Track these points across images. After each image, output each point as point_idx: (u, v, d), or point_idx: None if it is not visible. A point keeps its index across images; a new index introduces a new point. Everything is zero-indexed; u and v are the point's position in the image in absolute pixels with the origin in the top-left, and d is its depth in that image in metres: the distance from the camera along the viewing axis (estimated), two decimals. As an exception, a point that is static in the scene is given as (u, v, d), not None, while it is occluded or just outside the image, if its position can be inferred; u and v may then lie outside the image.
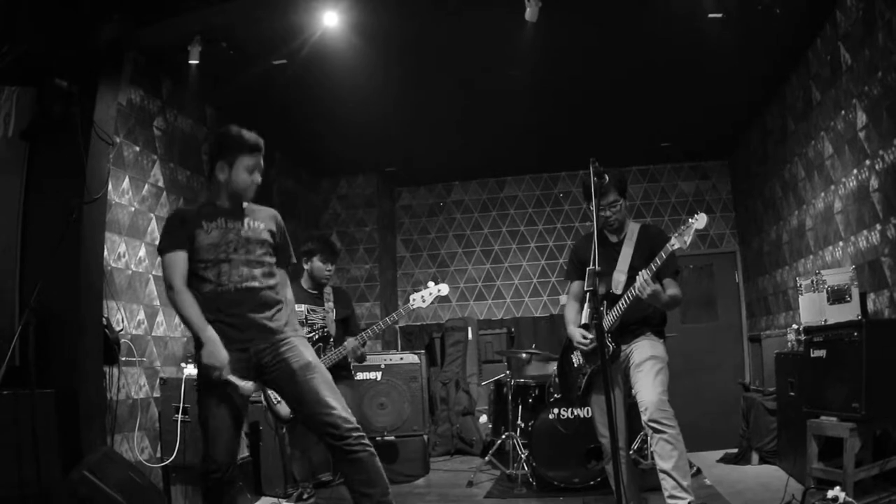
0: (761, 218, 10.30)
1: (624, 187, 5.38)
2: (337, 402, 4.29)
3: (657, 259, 4.96)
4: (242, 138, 4.54)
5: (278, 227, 4.72)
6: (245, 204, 4.65)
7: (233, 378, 4.19)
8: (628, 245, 5.39)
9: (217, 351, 4.17)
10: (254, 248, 4.51)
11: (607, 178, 4.97)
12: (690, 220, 4.78)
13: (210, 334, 4.22)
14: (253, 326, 4.39)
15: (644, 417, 5.04)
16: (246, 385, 4.21)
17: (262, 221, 4.63)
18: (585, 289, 4.46)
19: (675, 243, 4.81)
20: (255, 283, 4.45)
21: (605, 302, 5.22)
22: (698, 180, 12.16)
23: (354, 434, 4.22)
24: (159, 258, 4.52)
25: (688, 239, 4.76)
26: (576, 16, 7.07)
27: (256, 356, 4.37)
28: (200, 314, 4.28)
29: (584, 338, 5.39)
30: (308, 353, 4.47)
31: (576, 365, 5.61)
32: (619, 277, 5.31)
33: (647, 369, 5.14)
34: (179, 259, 4.40)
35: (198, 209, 4.62)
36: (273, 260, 4.64)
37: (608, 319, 5.21)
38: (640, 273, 4.99)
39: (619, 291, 5.25)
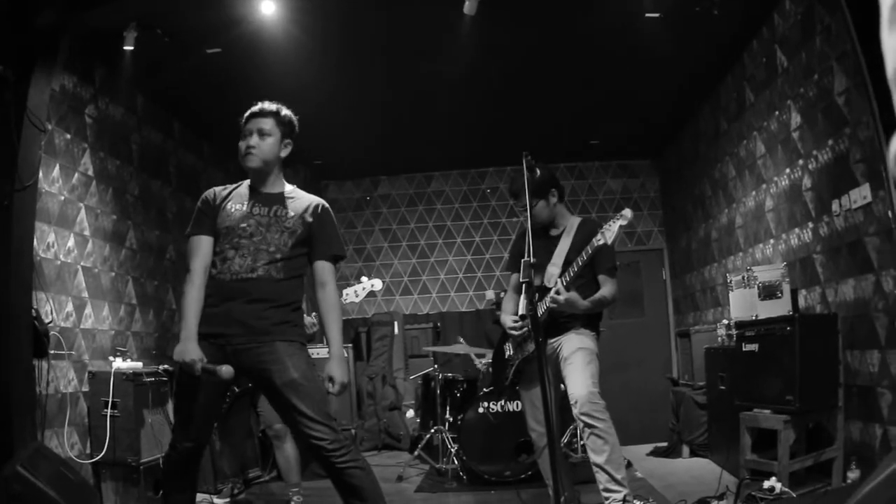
0: (690, 216, 10.45)
1: (544, 188, 5.37)
2: (321, 417, 4.03)
3: (579, 259, 5.02)
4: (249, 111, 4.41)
5: (317, 217, 4.37)
6: (288, 189, 4.46)
7: (208, 366, 4.00)
8: (566, 238, 5.40)
9: (186, 349, 3.98)
10: (272, 237, 4.24)
11: (523, 179, 4.99)
12: (617, 215, 4.80)
13: (186, 331, 4.05)
14: (235, 322, 4.13)
15: (575, 411, 5.03)
16: (222, 368, 3.97)
17: (294, 209, 4.34)
18: (520, 280, 4.42)
19: (599, 238, 4.83)
20: (254, 275, 4.17)
21: (537, 294, 5.23)
22: (626, 178, 12.31)
23: (342, 450, 3.98)
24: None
25: (611, 235, 4.77)
26: (512, 11, 7.06)
27: (235, 356, 4.12)
28: (191, 307, 4.11)
29: (515, 322, 5.40)
30: (292, 364, 4.11)
31: (506, 356, 5.65)
32: (553, 270, 5.31)
33: (577, 362, 5.13)
34: (200, 244, 4.27)
35: (232, 189, 4.46)
36: (301, 251, 4.35)
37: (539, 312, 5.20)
38: (558, 280, 5.06)
39: (550, 284, 5.23)
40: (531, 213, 5.01)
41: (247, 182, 4.47)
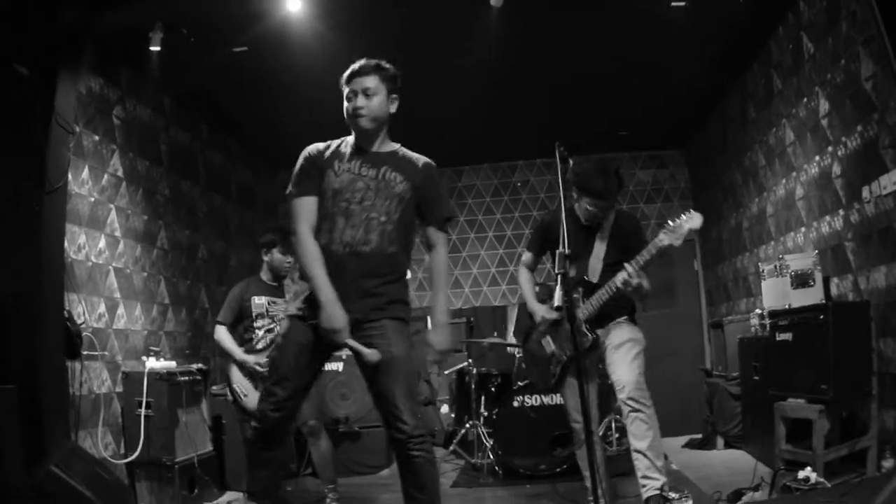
0: (720, 206, 10.36)
1: (618, 189, 5.27)
2: (407, 405, 3.95)
3: (645, 253, 4.87)
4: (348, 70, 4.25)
5: (425, 180, 4.28)
6: (396, 147, 4.37)
7: (353, 342, 3.93)
8: (603, 231, 5.32)
9: (334, 314, 3.89)
10: (381, 204, 4.11)
11: (604, 181, 4.96)
12: (683, 216, 4.76)
13: (327, 295, 3.91)
14: (351, 295, 4.01)
15: (622, 395, 5.00)
16: (371, 353, 3.90)
17: (401, 172, 4.22)
18: (556, 271, 4.36)
19: (665, 240, 4.77)
20: (367, 248, 4.05)
21: (580, 288, 5.19)
22: (656, 169, 12.22)
23: (417, 439, 3.92)
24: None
25: (680, 239, 4.74)
26: (538, 2, 7.04)
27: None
28: (323, 270, 3.99)
29: (551, 312, 5.25)
30: (396, 345, 4.01)
31: (549, 352, 5.49)
32: (596, 265, 5.26)
33: (626, 351, 5.11)
34: (305, 205, 4.17)
35: (336, 147, 4.32)
36: (410, 218, 4.25)
37: (586, 309, 5.17)
38: (626, 265, 4.89)
39: (595, 280, 5.21)
40: (598, 212, 5.01)
41: (350, 139, 4.34)
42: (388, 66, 4.28)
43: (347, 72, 4.25)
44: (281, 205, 11.91)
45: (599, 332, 5.26)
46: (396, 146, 4.36)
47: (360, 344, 3.95)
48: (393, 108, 4.31)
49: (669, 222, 4.80)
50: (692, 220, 4.72)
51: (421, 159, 4.34)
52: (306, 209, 4.15)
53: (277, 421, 4.12)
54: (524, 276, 5.77)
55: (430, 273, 4.30)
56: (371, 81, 4.20)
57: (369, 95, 4.19)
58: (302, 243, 4.09)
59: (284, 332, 4.21)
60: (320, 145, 4.33)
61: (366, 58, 4.27)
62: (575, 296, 5.08)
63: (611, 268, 5.16)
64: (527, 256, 5.73)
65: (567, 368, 5.37)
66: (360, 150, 4.25)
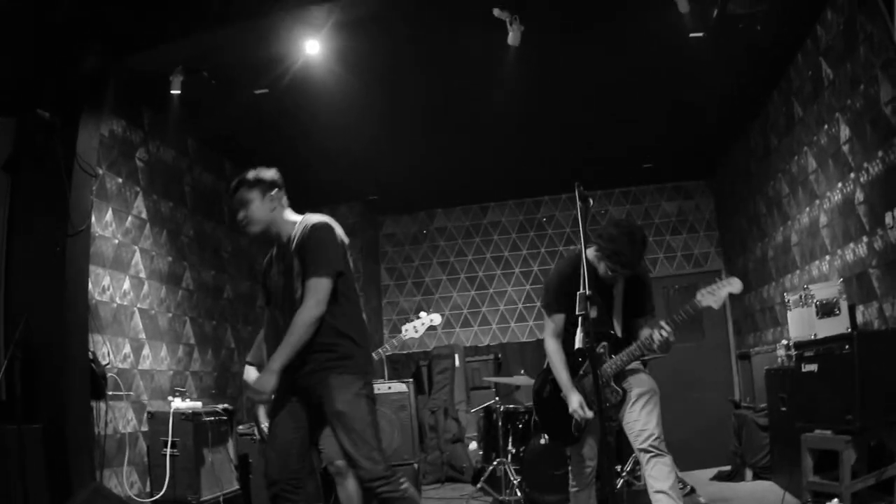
0: (746, 235, 10.32)
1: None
2: (359, 453, 4.14)
3: (683, 313, 4.84)
4: None
5: (304, 241, 4.42)
6: (292, 225, 4.56)
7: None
8: (618, 285, 5.23)
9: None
10: (290, 285, 4.48)
11: (632, 250, 4.91)
12: (723, 280, 4.76)
13: None
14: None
15: (644, 444, 4.93)
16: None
17: (296, 247, 4.48)
18: (578, 312, 4.33)
19: (703, 302, 4.75)
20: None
21: (604, 343, 5.11)
22: (681, 200, 12.18)
23: (378, 482, 4.12)
24: None
25: (720, 301, 4.72)
26: (556, 37, 7.08)
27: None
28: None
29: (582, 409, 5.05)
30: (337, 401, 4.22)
31: (570, 410, 5.19)
32: (617, 319, 5.22)
33: (647, 400, 5.04)
34: (265, 315, 4.67)
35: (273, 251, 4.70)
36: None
37: (614, 364, 5.04)
38: (664, 324, 4.83)
39: (619, 334, 5.17)
40: (619, 275, 5.02)
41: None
42: (253, 173, 4.56)
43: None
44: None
45: (622, 383, 5.15)
46: (295, 220, 4.55)
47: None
48: (275, 204, 4.53)
49: (710, 286, 4.77)
50: (732, 286, 4.72)
51: (304, 223, 4.46)
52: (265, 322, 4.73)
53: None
54: (553, 346, 5.34)
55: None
56: (241, 195, 4.51)
57: (244, 206, 4.50)
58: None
59: None
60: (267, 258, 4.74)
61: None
62: (600, 350, 5.06)
63: (630, 321, 5.18)
64: (556, 320, 5.31)
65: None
66: (277, 245, 4.60)
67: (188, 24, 6.06)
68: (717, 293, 4.72)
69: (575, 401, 5.11)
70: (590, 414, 5.02)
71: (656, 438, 4.93)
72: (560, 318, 5.28)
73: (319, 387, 4.22)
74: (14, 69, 5.67)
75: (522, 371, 9.18)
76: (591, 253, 5.12)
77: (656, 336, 4.84)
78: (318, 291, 4.20)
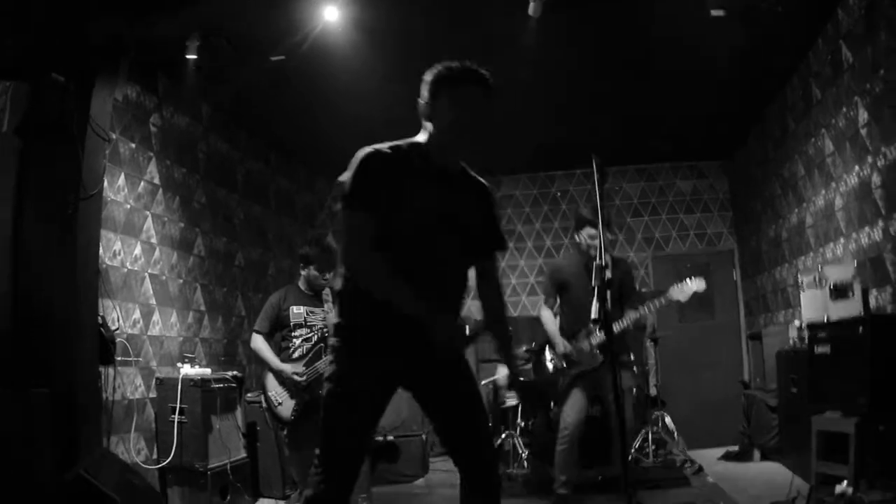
0: (759, 216, 10.26)
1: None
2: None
3: (656, 301, 6.32)
4: None
5: None
6: None
7: None
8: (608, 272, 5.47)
9: None
10: None
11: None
12: (692, 282, 6.17)
13: None
14: None
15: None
16: None
17: None
18: (594, 283, 5.03)
19: (673, 296, 6.23)
20: None
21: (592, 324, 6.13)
22: (695, 179, 12.11)
23: None
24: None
25: (686, 297, 6.20)
26: (576, 12, 7.00)
27: None
28: None
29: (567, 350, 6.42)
30: None
31: (551, 370, 6.59)
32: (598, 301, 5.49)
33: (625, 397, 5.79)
34: None
35: None
36: None
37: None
38: (641, 307, 6.24)
39: (594, 315, 5.57)
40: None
41: None
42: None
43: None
44: (319, 213, 11.94)
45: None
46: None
47: None
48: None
49: (680, 283, 6.23)
50: (698, 285, 6.13)
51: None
52: None
53: None
54: (547, 314, 6.72)
55: None
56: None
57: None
58: None
59: None
60: None
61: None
62: (591, 327, 6.20)
63: (614, 304, 5.86)
64: (551, 303, 6.78)
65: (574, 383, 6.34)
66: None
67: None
68: (685, 290, 6.12)
69: (560, 344, 6.45)
70: (570, 349, 6.38)
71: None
72: (552, 301, 6.76)
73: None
74: (29, 33, 5.62)
75: (534, 343, 9.16)
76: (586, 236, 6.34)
77: (630, 314, 6.17)
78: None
